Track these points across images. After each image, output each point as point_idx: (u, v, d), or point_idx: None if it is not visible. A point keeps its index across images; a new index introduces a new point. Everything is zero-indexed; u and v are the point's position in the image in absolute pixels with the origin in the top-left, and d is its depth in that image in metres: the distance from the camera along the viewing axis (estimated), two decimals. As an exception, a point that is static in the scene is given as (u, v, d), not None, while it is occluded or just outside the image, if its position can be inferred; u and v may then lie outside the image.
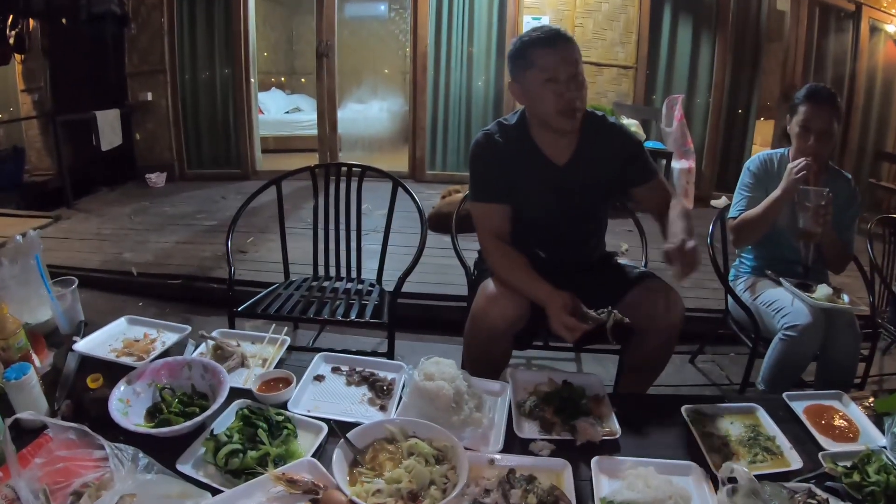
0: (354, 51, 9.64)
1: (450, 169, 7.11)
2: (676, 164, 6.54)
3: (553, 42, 2.07)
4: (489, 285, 2.19)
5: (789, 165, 2.59)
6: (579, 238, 2.45)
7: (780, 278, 2.67)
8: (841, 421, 2.03)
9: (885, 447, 1.87)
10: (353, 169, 3.01)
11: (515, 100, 2.25)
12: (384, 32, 10.13)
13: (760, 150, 7.55)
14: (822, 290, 2.55)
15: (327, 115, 6.98)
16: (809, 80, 7.22)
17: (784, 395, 2.09)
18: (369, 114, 9.66)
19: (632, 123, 6.29)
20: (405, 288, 2.79)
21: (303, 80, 10.87)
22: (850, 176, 2.82)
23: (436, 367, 1.81)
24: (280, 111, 9.74)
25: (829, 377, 2.58)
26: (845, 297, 2.61)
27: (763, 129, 7.69)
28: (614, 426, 1.82)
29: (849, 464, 1.77)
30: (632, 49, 6.87)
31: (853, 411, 2.08)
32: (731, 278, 3.03)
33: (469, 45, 6.83)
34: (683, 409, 1.94)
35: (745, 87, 7.25)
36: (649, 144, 6.40)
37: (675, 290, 2.26)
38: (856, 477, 1.70)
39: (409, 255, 2.86)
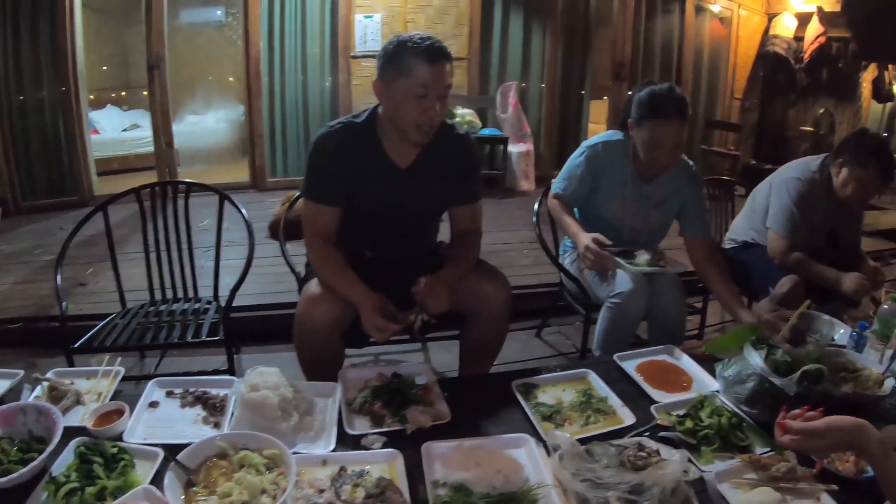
0: (190, 60, 9.12)
1: (291, 174, 6.88)
2: (514, 149, 6.76)
3: (435, 59, 2.01)
4: (311, 287, 2.17)
5: (587, 244, 2.57)
6: (412, 238, 2.44)
7: (608, 251, 2.67)
8: (673, 374, 2.08)
9: (717, 391, 1.93)
10: (180, 186, 2.89)
11: (376, 97, 2.17)
12: (221, 38, 9.65)
13: (596, 128, 8.00)
14: (642, 257, 2.62)
15: (162, 131, 6.57)
16: (639, 59, 7.66)
17: (615, 356, 2.11)
18: (207, 125, 9.19)
19: (467, 113, 6.42)
20: (249, 301, 2.70)
21: (144, 93, 10.17)
22: (692, 163, 2.87)
23: (260, 377, 1.77)
24: (116, 129, 9.06)
25: (659, 335, 2.66)
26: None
27: (597, 108, 8.05)
28: (444, 410, 1.80)
29: (682, 412, 1.81)
30: (464, 41, 6.93)
31: (685, 363, 2.14)
32: (561, 252, 3.09)
33: (303, 47, 6.65)
34: (514, 384, 1.94)
35: (577, 69, 7.55)
36: (486, 132, 6.57)
37: (501, 272, 2.32)
38: (689, 423, 1.73)
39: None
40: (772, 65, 8.73)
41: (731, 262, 3.33)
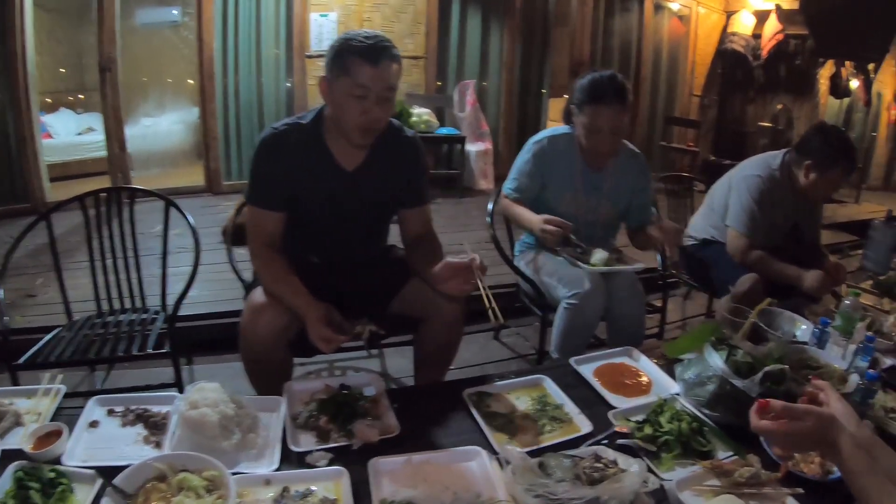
0: (146, 61, 8.84)
1: (247, 177, 6.62)
2: (472, 147, 6.71)
3: (375, 59, 1.92)
4: (255, 296, 2.08)
5: (542, 226, 2.52)
6: (361, 243, 2.36)
7: (558, 248, 2.64)
8: (632, 377, 2.01)
9: (677, 394, 1.87)
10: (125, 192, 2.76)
11: (322, 96, 2.07)
12: (177, 39, 9.39)
13: (555, 126, 8.01)
14: (598, 256, 2.55)
15: (114, 134, 6.36)
16: (597, 57, 7.68)
17: (571, 360, 2.03)
18: (162, 128, 8.88)
19: (424, 113, 6.34)
20: (201, 309, 2.57)
21: (101, 95, 9.91)
22: (639, 152, 2.84)
23: (199, 394, 1.66)
24: (70, 133, 8.78)
25: (618, 335, 2.62)
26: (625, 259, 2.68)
27: (556, 106, 7.96)
28: (392, 423, 1.70)
29: (641, 418, 1.74)
30: (421, 39, 6.87)
31: (644, 364, 2.07)
32: (516, 253, 3.02)
33: (257, 47, 6.48)
34: (465, 393, 1.84)
35: (535, 68, 7.53)
36: (443, 131, 6.51)
37: None
38: (647, 430, 1.66)
39: (201, 274, 2.71)
40: (730, 62, 8.85)
41: (691, 259, 3.33)
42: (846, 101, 10.11)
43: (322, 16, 6.42)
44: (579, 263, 2.53)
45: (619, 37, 7.94)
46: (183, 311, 2.63)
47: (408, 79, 6.86)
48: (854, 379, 1.90)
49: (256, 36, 6.48)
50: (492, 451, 1.60)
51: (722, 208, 3.12)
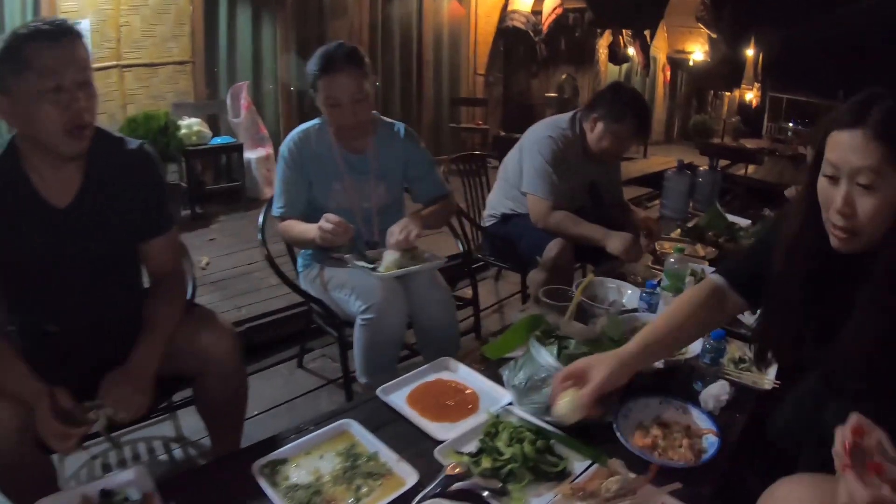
0: None
1: None
2: (252, 154, 6.08)
3: (58, 38, 1.50)
4: None
5: (317, 232, 2.20)
6: (100, 297, 1.81)
7: (345, 257, 2.33)
8: (453, 394, 1.66)
9: (510, 405, 1.55)
10: None
11: (3, 118, 1.58)
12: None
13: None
14: (389, 258, 2.25)
15: None
16: (377, 46, 7.44)
17: (378, 391, 1.64)
18: None
19: (194, 123, 5.64)
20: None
21: None
22: (400, 122, 2.57)
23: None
24: None
25: (431, 345, 2.36)
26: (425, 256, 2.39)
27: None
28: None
29: (475, 447, 1.39)
30: (186, 42, 6.15)
31: (465, 375, 1.73)
32: (300, 270, 2.63)
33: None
34: (255, 467, 1.37)
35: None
36: (217, 141, 5.83)
37: (218, 317, 1.89)
38: (486, 462, 1.32)
39: None
40: (512, 39, 9.06)
41: (494, 238, 3.16)
42: (625, 66, 10.70)
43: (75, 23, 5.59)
44: (368, 271, 2.24)
45: (399, 23, 7.78)
46: None
47: (175, 87, 6.14)
48: (697, 342, 1.73)
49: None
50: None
51: (517, 177, 2.98)
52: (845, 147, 1.19)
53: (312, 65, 2.28)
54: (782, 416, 1.50)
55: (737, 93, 19.64)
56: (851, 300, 1.26)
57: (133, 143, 1.80)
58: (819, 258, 1.31)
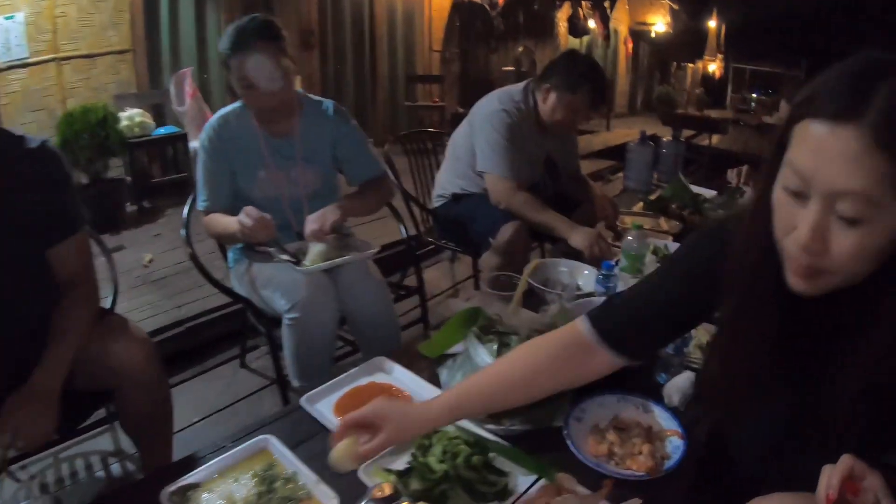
0: None
1: None
2: (198, 144, 5.83)
3: None
4: None
5: (238, 226, 2.03)
6: (8, 311, 1.60)
7: (271, 250, 2.14)
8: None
9: (448, 410, 1.35)
10: None
11: None
12: None
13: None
14: (315, 249, 2.07)
15: None
16: (328, 24, 7.23)
17: (302, 400, 1.43)
18: None
19: (136, 114, 5.37)
20: None
21: None
22: (329, 101, 2.36)
23: None
24: None
25: (369, 343, 2.19)
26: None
27: (291, 84, 7.40)
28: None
29: (405, 463, 1.20)
30: (126, 30, 5.85)
31: (400, 377, 1.52)
32: (230, 266, 2.43)
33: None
34: (163, 495, 1.17)
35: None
36: (161, 131, 5.57)
37: (132, 325, 1.76)
38: (415, 482, 1.13)
39: None
40: (468, 14, 8.93)
41: (445, 219, 2.97)
42: (586, 39, 10.56)
43: (7, 18, 5.23)
44: (293, 266, 2.05)
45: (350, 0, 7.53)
46: None
47: (116, 78, 5.86)
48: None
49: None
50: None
51: (467, 155, 2.79)
52: (825, 152, 0.76)
53: (223, 43, 2.06)
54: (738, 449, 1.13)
55: (700, 64, 19.72)
56: (832, 348, 0.92)
57: (34, 142, 1.59)
58: (783, 299, 0.92)
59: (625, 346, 1.17)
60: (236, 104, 2.25)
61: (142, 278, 3.64)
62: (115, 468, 2.34)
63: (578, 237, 2.40)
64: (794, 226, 0.82)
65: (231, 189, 2.25)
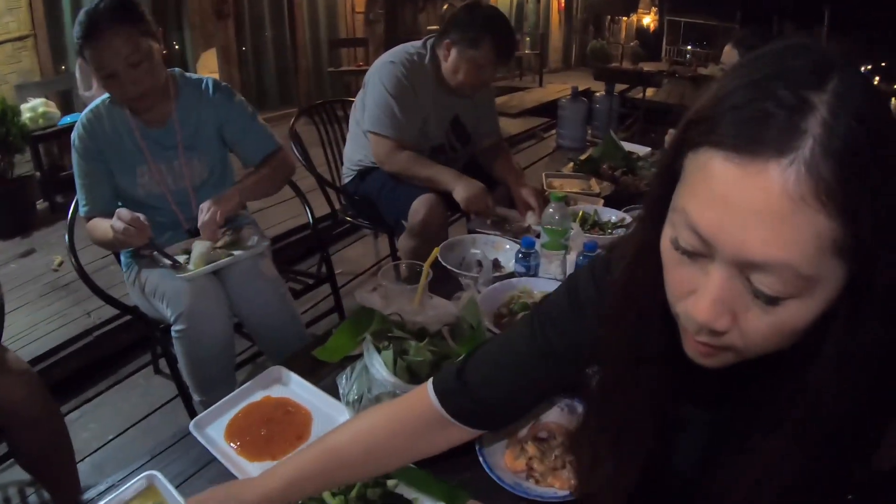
0: None
1: None
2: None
3: None
4: None
5: (112, 232, 1.79)
6: None
7: (155, 253, 1.90)
8: (283, 419, 1.25)
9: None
10: None
11: None
12: None
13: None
14: (198, 249, 1.85)
15: None
16: None
17: (191, 426, 1.22)
18: None
19: (39, 104, 4.92)
20: None
21: None
22: (210, 79, 2.10)
23: None
24: None
25: (267, 340, 2.02)
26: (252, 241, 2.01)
27: (207, 60, 6.93)
28: None
29: None
30: (24, 14, 5.36)
31: (298, 388, 1.32)
32: (123, 271, 2.17)
33: None
34: None
35: (173, 19, 6.52)
36: (68, 120, 5.03)
37: (10, 355, 1.62)
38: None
39: None
40: None
41: (353, 197, 2.69)
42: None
43: None
44: (173, 272, 1.84)
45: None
46: None
47: (17, 66, 5.39)
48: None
49: None
50: None
51: (364, 120, 2.50)
52: (734, 204, 0.52)
53: (76, 30, 1.79)
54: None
55: (634, 17, 19.66)
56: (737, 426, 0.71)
57: None
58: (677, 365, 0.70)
59: (482, 423, 0.97)
60: (105, 96, 1.98)
61: (51, 284, 3.36)
62: (32, 499, 2.16)
63: (459, 188, 2.21)
64: (691, 289, 0.59)
65: (112, 190, 2.00)
